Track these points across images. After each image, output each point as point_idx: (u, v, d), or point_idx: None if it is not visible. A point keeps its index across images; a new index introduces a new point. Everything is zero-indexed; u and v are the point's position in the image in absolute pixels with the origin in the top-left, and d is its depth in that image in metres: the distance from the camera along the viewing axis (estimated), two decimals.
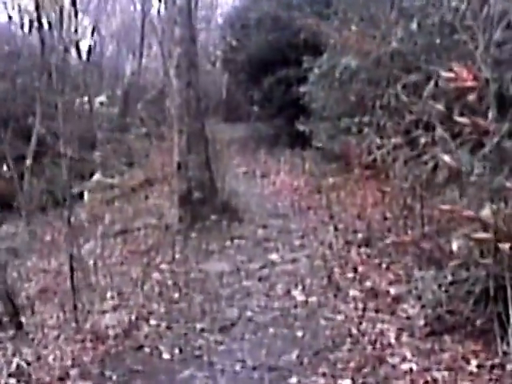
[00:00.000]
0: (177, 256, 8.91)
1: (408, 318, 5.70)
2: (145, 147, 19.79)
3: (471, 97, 4.12)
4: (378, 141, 7.32)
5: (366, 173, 8.77)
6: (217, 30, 28.32)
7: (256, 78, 18.38)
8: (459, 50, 5.77)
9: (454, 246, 4.33)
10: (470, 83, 4.06)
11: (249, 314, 6.52)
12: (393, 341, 5.31)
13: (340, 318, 6.07)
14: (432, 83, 5.73)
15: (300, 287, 7.14)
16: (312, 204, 11.45)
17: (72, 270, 6.58)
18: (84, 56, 24.51)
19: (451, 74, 4.18)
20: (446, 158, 4.40)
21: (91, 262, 8.42)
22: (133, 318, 6.52)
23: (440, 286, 5.38)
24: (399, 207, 7.76)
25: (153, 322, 6.46)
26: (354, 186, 10.27)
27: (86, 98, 20.15)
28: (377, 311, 6.03)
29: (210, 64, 29.90)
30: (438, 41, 6.54)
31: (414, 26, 6.90)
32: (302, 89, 13.80)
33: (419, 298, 5.76)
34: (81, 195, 14.30)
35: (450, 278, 5.24)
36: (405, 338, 5.33)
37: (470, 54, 5.22)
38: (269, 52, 17.58)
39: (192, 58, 11.00)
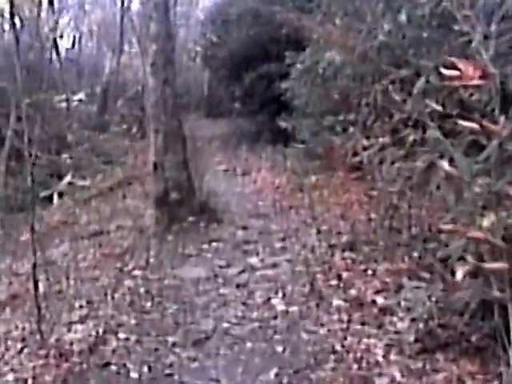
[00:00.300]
0: (151, 260, 8.45)
1: (397, 332, 5.24)
2: (124, 145, 19.46)
3: (469, 94, 3.72)
4: (365, 141, 6.92)
5: (350, 175, 8.40)
6: (197, 26, 28.03)
7: (237, 73, 18.18)
8: (451, 42, 5.40)
9: (459, 275, 3.86)
10: (477, 81, 3.53)
11: (225, 325, 6.05)
12: (380, 359, 4.86)
13: (323, 331, 5.61)
14: (423, 79, 5.32)
15: (280, 295, 6.69)
16: (294, 203, 11.06)
17: (35, 281, 6.08)
18: (62, 53, 24.09)
19: (454, 71, 3.63)
20: (445, 164, 3.92)
21: (63, 266, 8.06)
22: (100, 330, 6.04)
23: (431, 296, 4.99)
24: (385, 207, 7.39)
25: (122, 335, 5.96)
26: (337, 185, 9.92)
27: (63, 96, 19.71)
28: (363, 324, 5.58)
29: (191, 60, 29.62)
30: (427, 33, 6.16)
31: (402, 17, 6.50)
32: (284, 85, 13.56)
33: (409, 309, 5.34)
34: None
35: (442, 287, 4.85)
36: (393, 355, 4.88)
37: (462, 47, 4.88)
38: (250, 47, 17.39)
39: (168, 55, 10.56)
